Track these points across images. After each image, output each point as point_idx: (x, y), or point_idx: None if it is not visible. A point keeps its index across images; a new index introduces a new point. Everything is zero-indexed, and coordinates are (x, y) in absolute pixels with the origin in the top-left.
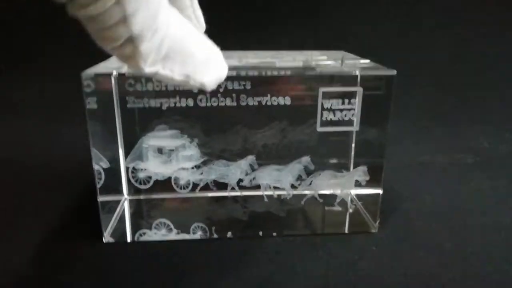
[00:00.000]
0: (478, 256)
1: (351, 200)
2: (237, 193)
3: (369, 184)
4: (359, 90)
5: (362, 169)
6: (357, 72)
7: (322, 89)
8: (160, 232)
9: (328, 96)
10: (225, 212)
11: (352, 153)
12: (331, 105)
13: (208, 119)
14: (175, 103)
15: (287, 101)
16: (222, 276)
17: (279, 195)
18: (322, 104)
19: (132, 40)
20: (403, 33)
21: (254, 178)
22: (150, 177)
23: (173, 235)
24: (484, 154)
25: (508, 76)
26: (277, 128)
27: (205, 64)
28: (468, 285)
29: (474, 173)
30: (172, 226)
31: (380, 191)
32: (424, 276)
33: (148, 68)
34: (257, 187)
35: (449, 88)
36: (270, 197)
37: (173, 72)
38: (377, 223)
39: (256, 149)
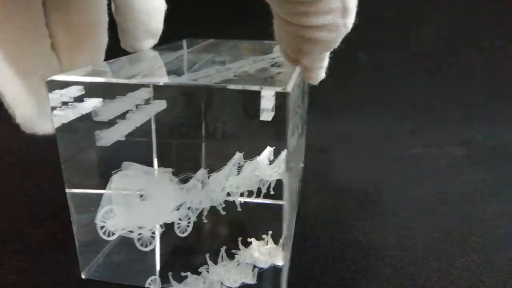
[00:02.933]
0: (462, 244)
1: None
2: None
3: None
4: None
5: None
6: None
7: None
8: None
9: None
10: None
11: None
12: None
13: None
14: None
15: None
16: None
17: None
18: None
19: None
20: (397, 25)
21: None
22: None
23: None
24: (475, 147)
25: (501, 70)
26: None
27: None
28: (453, 272)
29: (465, 165)
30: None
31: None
32: (410, 263)
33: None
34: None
35: (443, 82)
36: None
37: (323, 61)
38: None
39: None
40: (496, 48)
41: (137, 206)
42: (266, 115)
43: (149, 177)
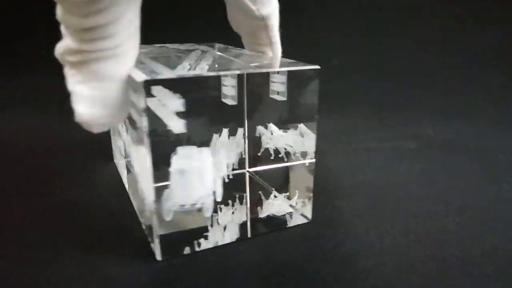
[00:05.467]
0: (392, 225)
1: None
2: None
3: None
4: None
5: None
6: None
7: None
8: None
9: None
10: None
11: None
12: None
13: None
14: None
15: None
16: None
17: None
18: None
19: None
20: (351, 29)
21: None
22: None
23: None
24: (426, 141)
25: (458, 69)
26: None
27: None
28: (385, 254)
29: (412, 157)
30: None
31: None
32: (338, 227)
33: None
34: None
35: (402, 80)
36: None
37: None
38: None
39: None
40: (449, 53)
41: (195, 180)
42: (230, 100)
43: (199, 156)
